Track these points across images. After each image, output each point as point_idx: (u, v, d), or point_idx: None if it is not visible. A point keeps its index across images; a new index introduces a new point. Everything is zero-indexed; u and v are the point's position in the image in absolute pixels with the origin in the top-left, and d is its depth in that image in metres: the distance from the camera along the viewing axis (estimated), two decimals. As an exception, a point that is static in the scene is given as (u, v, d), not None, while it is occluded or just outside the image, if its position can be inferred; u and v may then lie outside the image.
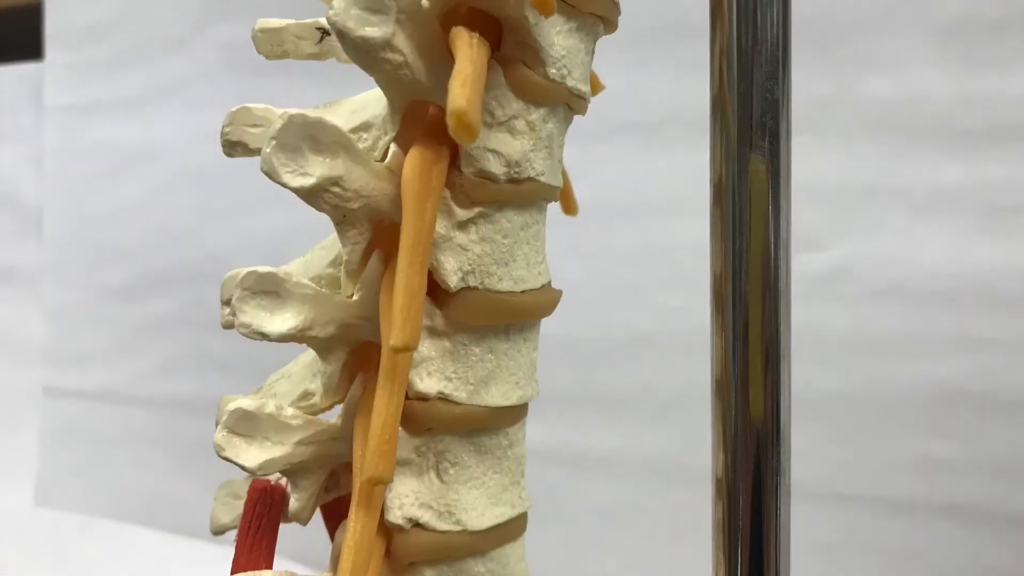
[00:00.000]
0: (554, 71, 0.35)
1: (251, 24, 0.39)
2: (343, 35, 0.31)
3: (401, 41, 0.31)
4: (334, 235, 0.36)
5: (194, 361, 1.08)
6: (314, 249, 0.39)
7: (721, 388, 0.39)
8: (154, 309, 1.09)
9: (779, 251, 0.38)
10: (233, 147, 0.38)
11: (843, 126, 0.78)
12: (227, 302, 0.36)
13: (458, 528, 0.35)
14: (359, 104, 0.38)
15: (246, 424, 0.34)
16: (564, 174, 0.39)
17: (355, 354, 0.35)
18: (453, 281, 0.34)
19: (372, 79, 0.33)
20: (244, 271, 0.33)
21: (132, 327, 1.11)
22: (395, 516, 0.34)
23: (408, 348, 0.31)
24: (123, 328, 1.12)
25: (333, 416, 0.36)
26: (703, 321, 0.41)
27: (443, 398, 0.34)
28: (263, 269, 0.33)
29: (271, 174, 0.31)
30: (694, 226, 0.42)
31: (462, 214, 0.34)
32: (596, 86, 0.40)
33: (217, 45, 1.06)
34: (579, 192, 0.44)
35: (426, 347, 0.34)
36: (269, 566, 0.36)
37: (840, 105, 0.78)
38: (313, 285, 0.34)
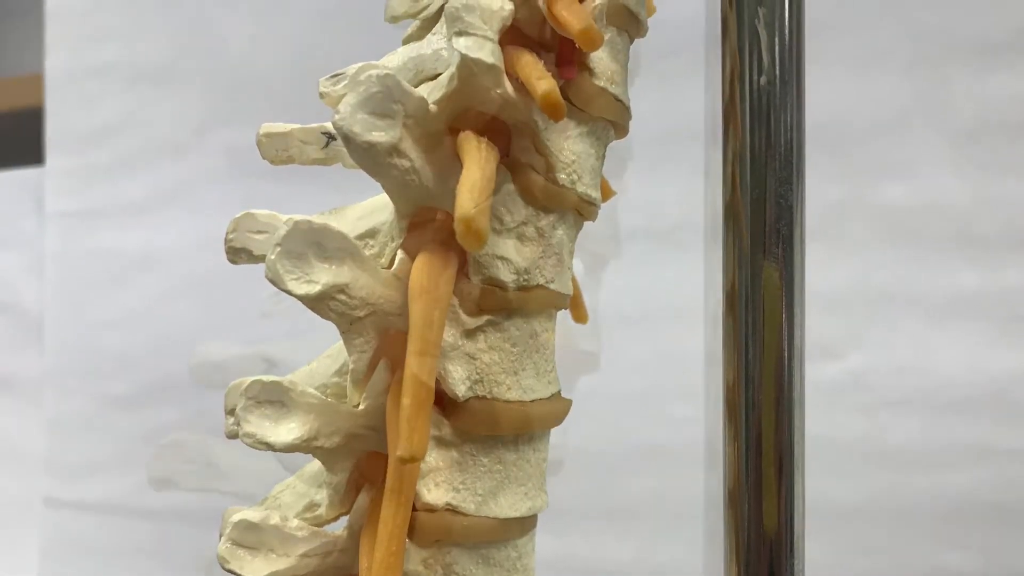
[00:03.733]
0: (564, 176, 0.34)
1: (254, 128, 0.39)
2: (349, 140, 0.30)
3: (408, 146, 0.31)
4: (340, 343, 0.36)
5: (200, 473, 1.07)
6: (319, 357, 0.38)
7: (734, 499, 0.39)
8: (156, 418, 1.08)
9: (793, 359, 0.38)
10: (237, 254, 0.38)
11: (858, 232, 0.78)
12: (231, 411, 0.35)
13: (467, 644, 0.34)
14: (365, 210, 0.37)
15: (251, 536, 0.34)
16: (574, 281, 0.38)
17: (361, 464, 0.35)
18: (461, 391, 0.33)
19: (378, 184, 0.33)
20: (248, 380, 0.32)
21: (134, 437, 1.10)
22: (403, 631, 0.34)
23: (415, 459, 0.30)
24: (125, 438, 1.11)
25: (339, 527, 0.35)
26: (715, 431, 0.40)
27: (451, 509, 0.34)
28: (267, 378, 0.32)
29: (276, 281, 0.31)
30: (706, 334, 0.42)
31: (470, 322, 0.34)
32: (607, 192, 0.40)
33: (220, 150, 1.06)
34: (589, 299, 0.44)
35: (433, 457, 0.34)
36: None
37: (855, 211, 0.78)
38: (318, 394, 0.33)
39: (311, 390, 0.33)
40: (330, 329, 0.34)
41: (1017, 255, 0.75)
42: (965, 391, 0.76)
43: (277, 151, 0.39)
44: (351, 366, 0.34)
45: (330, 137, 0.39)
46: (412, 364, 0.31)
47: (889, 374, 0.78)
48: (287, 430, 0.32)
